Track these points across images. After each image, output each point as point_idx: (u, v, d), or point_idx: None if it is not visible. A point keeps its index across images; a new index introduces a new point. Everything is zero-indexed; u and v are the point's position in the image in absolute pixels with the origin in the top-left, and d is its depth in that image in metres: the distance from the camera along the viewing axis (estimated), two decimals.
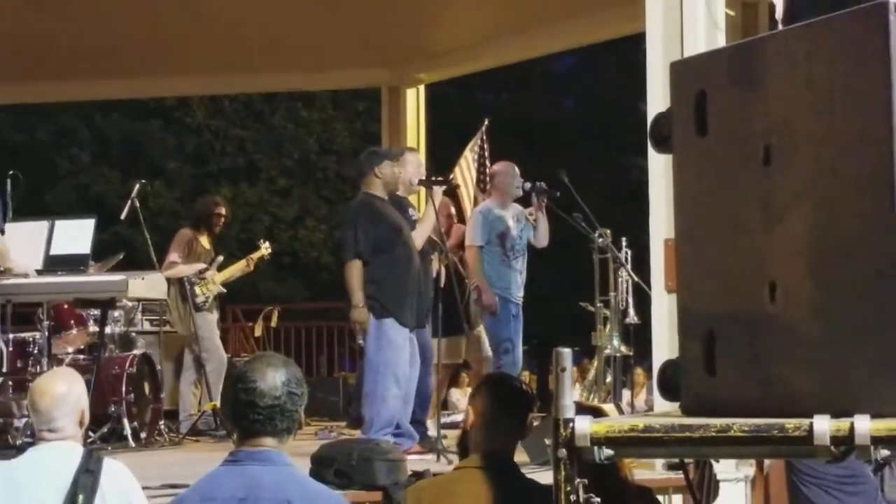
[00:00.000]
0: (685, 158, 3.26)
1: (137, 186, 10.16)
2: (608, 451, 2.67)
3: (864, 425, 2.44)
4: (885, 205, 2.58)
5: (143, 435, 8.83)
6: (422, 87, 13.12)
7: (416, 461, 6.84)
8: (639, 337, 8.65)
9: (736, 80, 3.08)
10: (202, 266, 9.83)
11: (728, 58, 3.33)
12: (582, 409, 2.92)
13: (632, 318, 8.84)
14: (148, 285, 8.06)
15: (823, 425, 2.47)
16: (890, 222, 2.56)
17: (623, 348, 8.83)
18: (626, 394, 11.40)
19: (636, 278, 8.69)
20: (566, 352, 2.72)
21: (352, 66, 13.27)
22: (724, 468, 5.75)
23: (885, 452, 2.47)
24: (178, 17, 11.90)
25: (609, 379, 8.87)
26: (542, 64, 20.59)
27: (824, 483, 5.81)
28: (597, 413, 3.68)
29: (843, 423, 2.46)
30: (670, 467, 5.93)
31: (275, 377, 3.59)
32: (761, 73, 3.01)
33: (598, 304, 9.05)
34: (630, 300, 8.84)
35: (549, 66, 23.39)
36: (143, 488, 4.66)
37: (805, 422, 2.49)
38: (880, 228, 2.59)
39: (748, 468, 6.37)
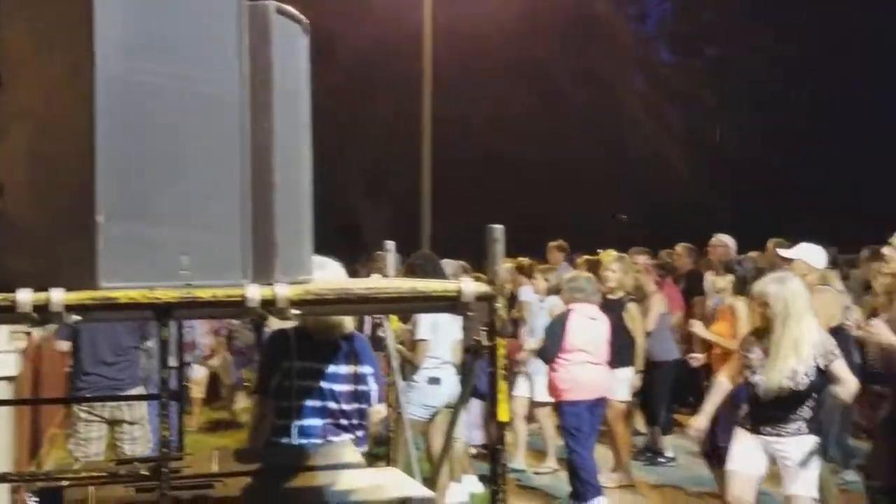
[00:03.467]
0: None
1: None
2: None
3: (59, 296, 2.40)
4: (81, 127, 2.53)
5: None
6: None
7: None
8: None
9: None
10: None
11: None
12: None
13: None
14: None
15: (26, 297, 2.40)
16: (89, 144, 2.51)
17: None
18: None
19: None
20: None
21: None
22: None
23: (76, 317, 2.43)
24: None
25: None
26: None
27: None
28: None
29: (42, 296, 2.40)
30: None
31: None
32: (1, 18, 2.84)
33: None
34: None
35: None
36: None
37: (11, 295, 2.40)
38: (79, 147, 2.54)
39: (20, 342, 6.11)
